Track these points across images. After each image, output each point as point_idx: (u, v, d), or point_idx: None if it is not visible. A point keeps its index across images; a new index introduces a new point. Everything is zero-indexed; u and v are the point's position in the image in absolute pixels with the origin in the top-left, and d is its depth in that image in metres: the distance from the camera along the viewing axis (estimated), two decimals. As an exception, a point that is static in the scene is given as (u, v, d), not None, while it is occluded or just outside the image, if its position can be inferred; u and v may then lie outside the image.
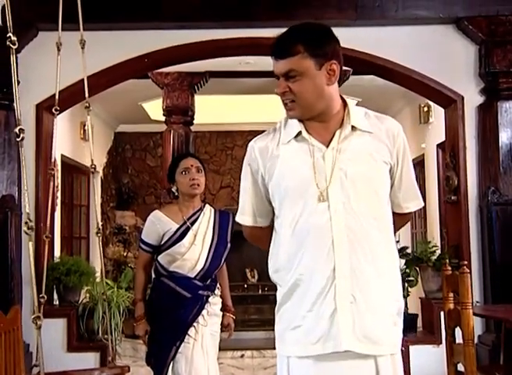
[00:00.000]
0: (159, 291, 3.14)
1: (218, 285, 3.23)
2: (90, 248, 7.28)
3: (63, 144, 6.07)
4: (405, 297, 4.46)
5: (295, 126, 1.80)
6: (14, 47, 2.00)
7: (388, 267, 1.79)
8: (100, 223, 3.17)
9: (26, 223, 1.92)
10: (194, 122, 6.16)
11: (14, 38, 1.98)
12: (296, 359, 1.75)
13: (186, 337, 3.03)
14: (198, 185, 3.13)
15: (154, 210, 3.24)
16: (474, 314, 2.95)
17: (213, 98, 6.81)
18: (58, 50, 2.96)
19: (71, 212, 6.92)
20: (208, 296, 3.11)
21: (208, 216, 3.18)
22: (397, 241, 4.79)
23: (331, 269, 1.70)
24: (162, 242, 3.11)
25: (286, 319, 1.78)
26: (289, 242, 1.76)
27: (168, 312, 3.05)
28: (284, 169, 1.78)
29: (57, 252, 5.34)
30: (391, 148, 1.80)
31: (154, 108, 7.13)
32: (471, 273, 4.27)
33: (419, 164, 6.90)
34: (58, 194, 5.99)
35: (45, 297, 2.94)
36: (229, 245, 3.21)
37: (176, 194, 3.21)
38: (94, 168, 3.03)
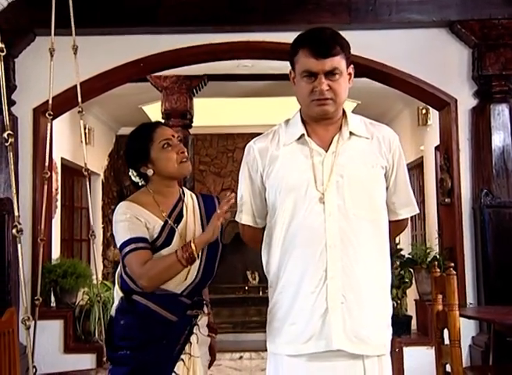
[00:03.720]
0: (130, 316, 2.11)
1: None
2: (90, 250, 7.33)
3: (63, 147, 6.12)
4: (400, 299, 4.49)
5: (298, 128, 1.85)
6: (2, 54, 2.07)
7: (380, 270, 1.83)
8: (92, 226, 3.21)
9: (15, 226, 1.97)
10: (194, 124, 6.20)
11: (2, 45, 2.06)
12: (287, 358, 1.79)
13: None
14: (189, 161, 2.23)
15: (120, 203, 2.21)
16: (462, 316, 2.99)
17: (212, 100, 6.86)
18: (51, 56, 3.03)
19: (71, 214, 6.98)
20: (197, 316, 2.16)
21: (191, 207, 2.22)
22: (397, 244, 4.79)
23: (323, 269, 1.75)
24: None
25: (279, 318, 1.82)
26: (282, 242, 1.81)
27: (143, 348, 2.07)
28: (283, 170, 1.82)
29: (57, 255, 5.39)
30: (387, 153, 1.85)
31: (155, 111, 7.16)
32: (464, 274, 4.32)
33: (418, 166, 6.91)
34: (58, 197, 6.04)
35: (40, 299, 3.00)
36: (220, 246, 2.18)
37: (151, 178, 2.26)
38: (88, 171, 3.08)
